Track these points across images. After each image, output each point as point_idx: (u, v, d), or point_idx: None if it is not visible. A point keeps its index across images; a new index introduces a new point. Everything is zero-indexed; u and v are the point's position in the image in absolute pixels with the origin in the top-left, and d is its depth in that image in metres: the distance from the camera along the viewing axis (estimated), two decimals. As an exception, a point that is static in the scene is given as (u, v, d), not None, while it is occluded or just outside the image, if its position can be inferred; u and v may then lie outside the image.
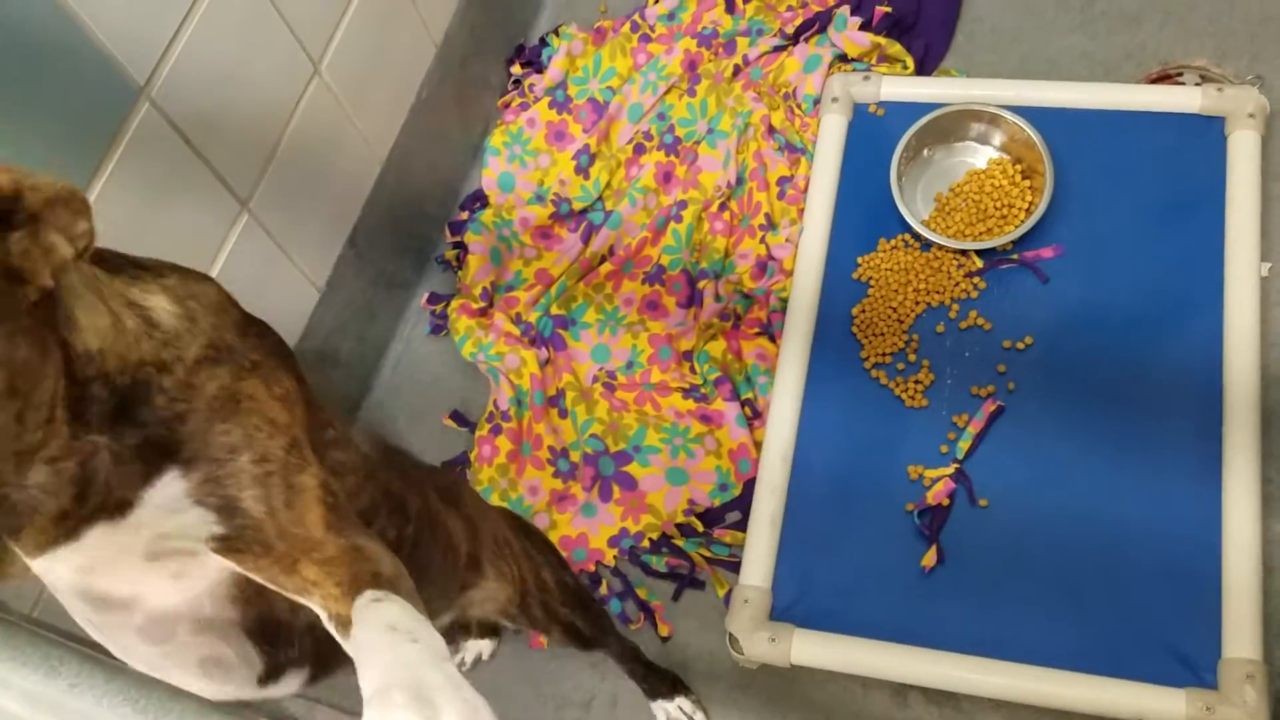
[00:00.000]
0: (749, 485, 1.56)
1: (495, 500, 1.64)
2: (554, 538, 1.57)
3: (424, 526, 0.94)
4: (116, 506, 0.62)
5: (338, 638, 0.62)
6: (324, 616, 0.63)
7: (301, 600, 0.65)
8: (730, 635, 1.43)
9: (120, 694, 0.54)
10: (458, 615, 1.13)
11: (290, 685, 0.76)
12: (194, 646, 0.70)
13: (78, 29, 1.11)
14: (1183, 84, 1.70)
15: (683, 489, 1.59)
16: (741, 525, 1.55)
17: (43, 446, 0.56)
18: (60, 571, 0.65)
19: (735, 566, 1.51)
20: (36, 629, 0.60)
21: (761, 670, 1.47)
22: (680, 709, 1.47)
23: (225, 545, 0.64)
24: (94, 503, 0.61)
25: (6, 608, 1.09)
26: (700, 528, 1.57)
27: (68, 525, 0.61)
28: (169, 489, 0.63)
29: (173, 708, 0.52)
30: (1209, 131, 1.62)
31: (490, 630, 1.57)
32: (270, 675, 0.74)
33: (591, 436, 1.65)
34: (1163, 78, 1.72)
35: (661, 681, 1.46)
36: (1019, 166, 1.67)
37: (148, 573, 0.66)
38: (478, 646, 1.57)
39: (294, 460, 0.67)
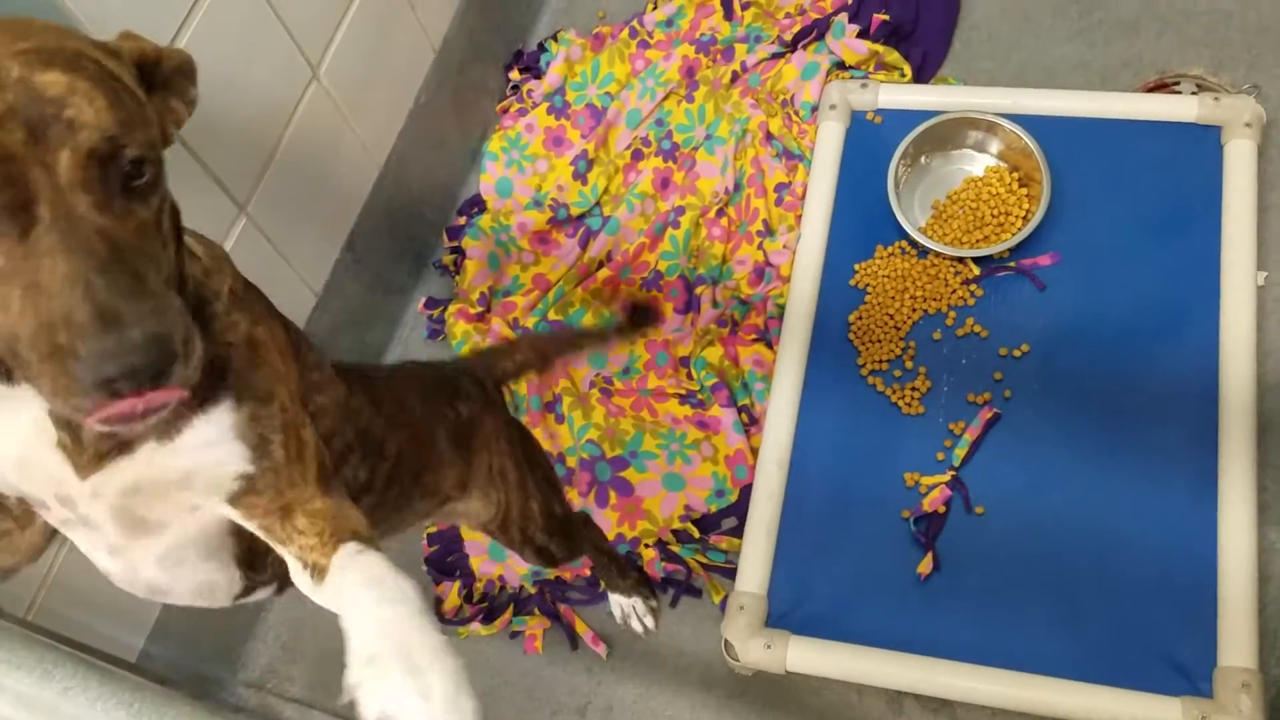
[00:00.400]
0: (745, 491, 1.56)
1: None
2: None
3: (404, 468, 0.98)
4: (165, 429, 0.65)
5: (308, 588, 0.65)
6: (297, 567, 0.67)
7: (280, 549, 0.69)
8: (726, 642, 1.43)
9: (114, 697, 0.54)
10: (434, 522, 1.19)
11: (259, 597, 0.84)
12: (196, 573, 0.76)
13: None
14: (1179, 93, 1.71)
15: (679, 495, 1.59)
16: (738, 532, 1.54)
17: (170, 302, 0.57)
18: (108, 492, 0.67)
19: (731, 573, 1.51)
20: (31, 632, 0.60)
21: (757, 677, 1.47)
22: (634, 608, 1.51)
23: (246, 485, 0.68)
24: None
25: (1, 613, 1.09)
26: (696, 534, 1.57)
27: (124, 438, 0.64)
28: (222, 420, 0.66)
29: (166, 711, 0.52)
30: (1205, 140, 1.62)
31: None
32: (245, 593, 0.82)
33: (588, 442, 1.65)
34: (1159, 87, 1.73)
35: (623, 577, 1.49)
36: (1016, 174, 1.68)
37: (176, 502, 0.69)
38: None
39: (300, 415, 0.73)
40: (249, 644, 1.66)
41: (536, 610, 1.57)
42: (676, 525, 1.57)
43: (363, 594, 0.60)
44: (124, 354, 0.49)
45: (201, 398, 0.66)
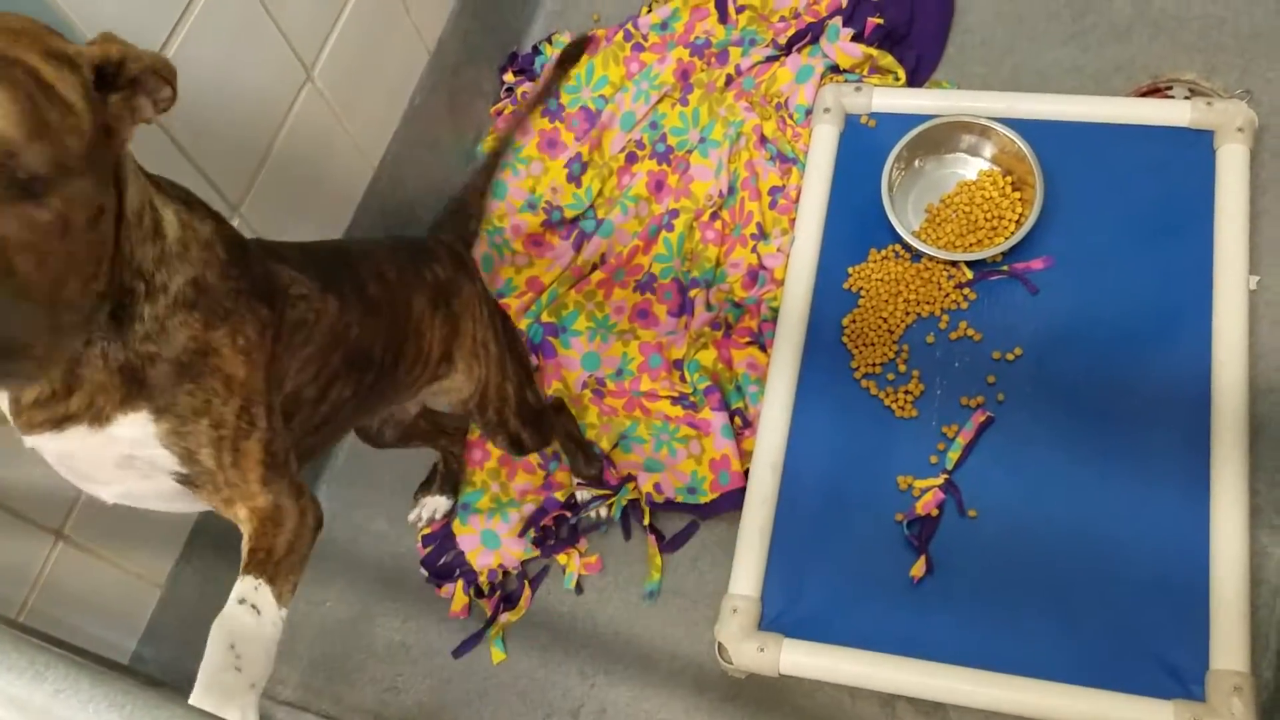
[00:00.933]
0: (724, 499, 1.56)
1: (486, 503, 1.65)
2: None
3: (393, 360, 1.08)
4: (95, 417, 0.74)
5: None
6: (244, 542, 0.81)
7: (235, 523, 0.82)
8: (719, 644, 1.43)
9: (105, 699, 0.53)
10: (420, 406, 1.33)
11: None
12: (160, 503, 0.86)
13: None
14: (1172, 97, 1.72)
15: (653, 475, 1.60)
16: (689, 531, 1.60)
17: (89, 295, 0.67)
18: (48, 450, 0.78)
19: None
20: (22, 634, 0.59)
21: (750, 680, 1.47)
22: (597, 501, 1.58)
23: (182, 479, 0.79)
24: (79, 402, 0.74)
25: (-9, 613, 1.09)
26: (646, 505, 1.59)
27: (55, 412, 0.74)
28: (141, 428, 0.76)
29: (159, 714, 0.52)
30: (1198, 145, 1.63)
31: (451, 488, 1.66)
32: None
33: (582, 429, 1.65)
34: (1152, 91, 1.73)
35: (590, 465, 1.58)
36: (1009, 178, 1.68)
37: (120, 473, 0.80)
38: (434, 503, 1.65)
39: (243, 426, 0.80)
40: (241, 646, 1.66)
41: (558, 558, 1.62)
42: (634, 495, 1.60)
43: (219, 640, 0.72)
44: None
45: (119, 397, 0.74)
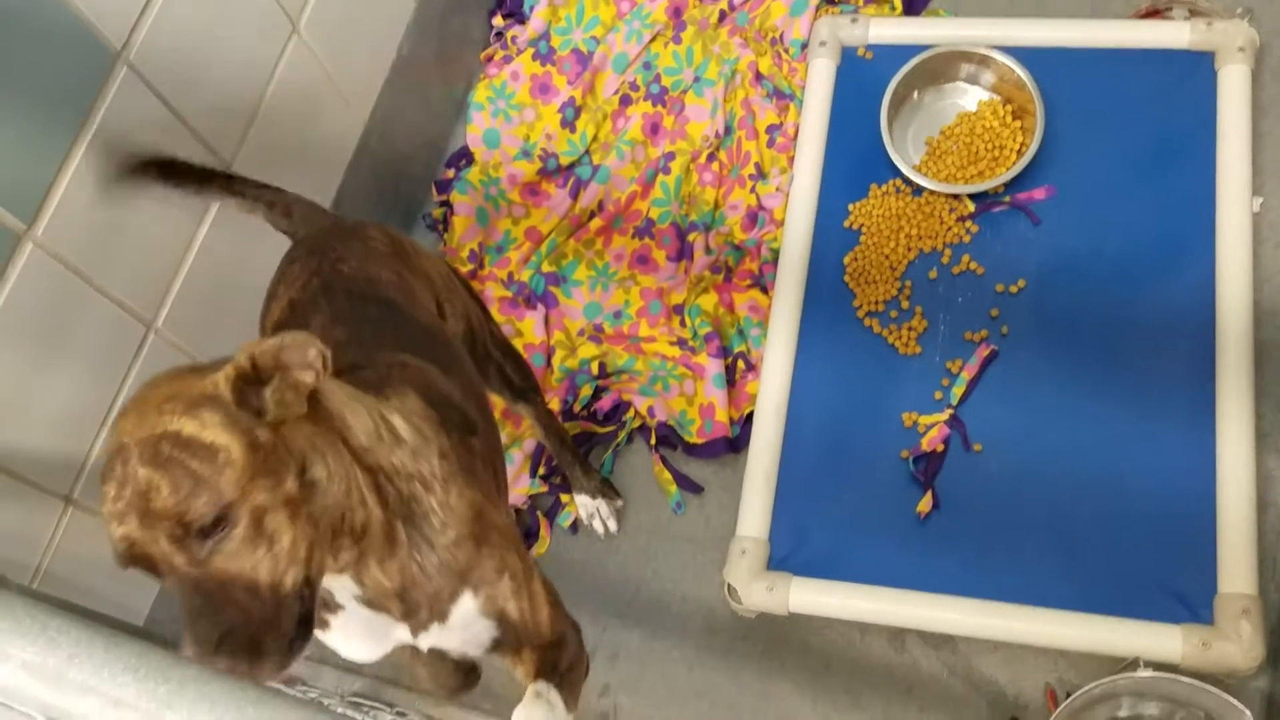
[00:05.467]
0: (709, 445, 1.58)
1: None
2: None
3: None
4: (440, 616, 0.87)
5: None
6: (518, 675, 0.93)
7: (508, 666, 0.95)
8: (728, 586, 1.44)
9: (120, 662, 0.54)
10: None
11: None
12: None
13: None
14: (1172, 19, 1.68)
15: (648, 399, 1.62)
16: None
17: (364, 535, 0.80)
18: (422, 642, 0.91)
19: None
20: (36, 600, 0.60)
21: (760, 619, 1.49)
22: (599, 509, 1.57)
23: (494, 645, 0.92)
24: (425, 609, 0.86)
25: (5, 580, 1.09)
26: (650, 419, 1.61)
27: (421, 620, 0.87)
28: (466, 606, 0.88)
29: (172, 674, 0.53)
30: (1199, 67, 1.60)
31: None
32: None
33: (583, 363, 1.67)
34: (1152, 13, 1.70)
35: (587, 477, 1.55)
36: (1009, 107, 1.66)
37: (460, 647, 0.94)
38: None
39: (526, 565, 0.93)
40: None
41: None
42: (635, 423, 1.63)
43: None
44: (207, 658, 0.67)
45: (449, 593, 0.87)
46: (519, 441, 1.64)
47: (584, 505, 1.57)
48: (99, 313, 1.26)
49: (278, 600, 0.71)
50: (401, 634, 0.89)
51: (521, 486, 1.62)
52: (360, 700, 1.40)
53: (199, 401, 0.72)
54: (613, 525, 1.57)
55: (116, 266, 1.26)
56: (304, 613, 0.73)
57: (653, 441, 1.61)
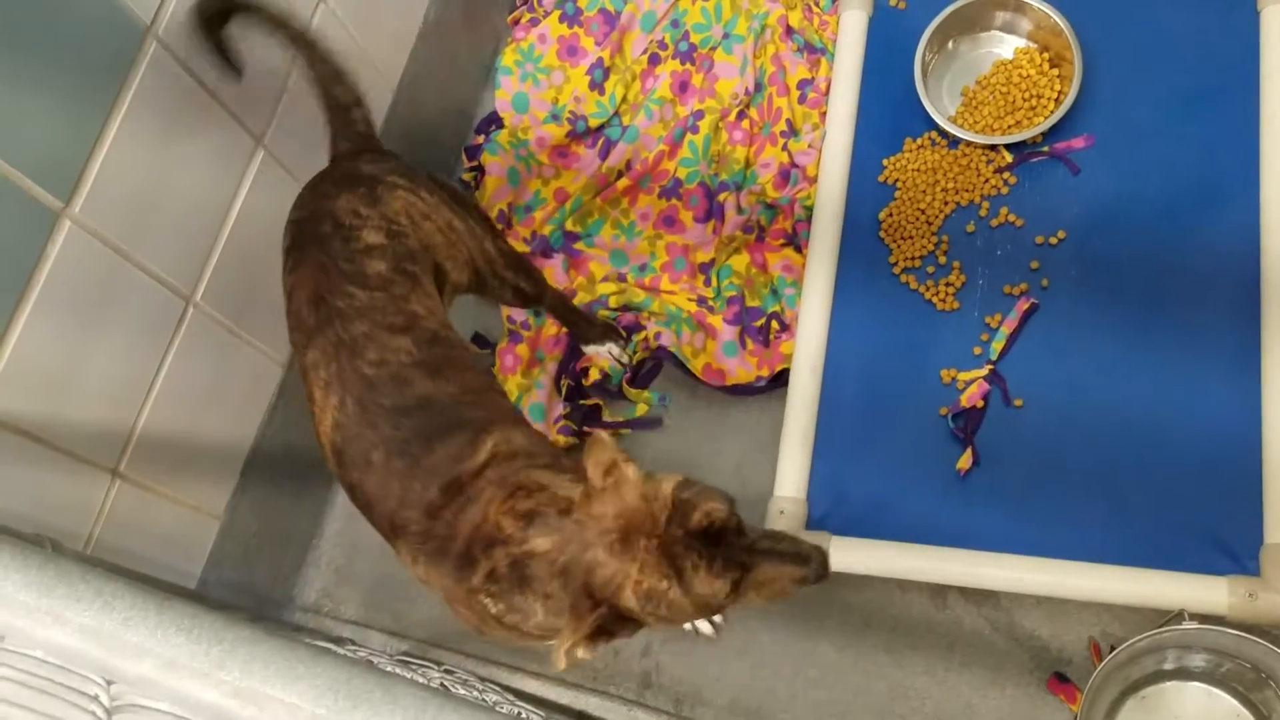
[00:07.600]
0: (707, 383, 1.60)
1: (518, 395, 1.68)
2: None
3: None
4: None
5: None
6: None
7: None
8: (769, 544, 1.44)
9: (173, 624, 0.55)
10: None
11: None
12: None
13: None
14: (1216, -42, 1.63)
15: (656, 328, 1.64)
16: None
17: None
18: None
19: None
20: (90, 565, 0.61)
21: (801, 577, 1.49)
22: (610, 351, 1.63)
23: None
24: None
25: (60, 546, 1.12)
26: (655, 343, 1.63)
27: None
28: None
29: (225, 635, 0.54)
30: (1240, 7, 1.56)
31: None
32: None
33: (601, 296, 1.69)
34: (1195, -47, 1.65)
35: (591, 328, 1.62)
36: (1046, 55, 1.62)
37: None
38: None
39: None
40: (303, 570, 1.71)
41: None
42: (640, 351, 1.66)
43: None
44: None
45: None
46: (544, 364, 1.68)
47: (596, 353, 1.63)
48: (139, 288, 1.28)
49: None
50: None
51: (557, 410, 1.66)
52: (409, 659, 1.43)
53: (671, 540, 0.96)
54: (624, 358, 1.64)
55: (154, 242, 1.28)
56: None
57: (644, 355, 1.65)
